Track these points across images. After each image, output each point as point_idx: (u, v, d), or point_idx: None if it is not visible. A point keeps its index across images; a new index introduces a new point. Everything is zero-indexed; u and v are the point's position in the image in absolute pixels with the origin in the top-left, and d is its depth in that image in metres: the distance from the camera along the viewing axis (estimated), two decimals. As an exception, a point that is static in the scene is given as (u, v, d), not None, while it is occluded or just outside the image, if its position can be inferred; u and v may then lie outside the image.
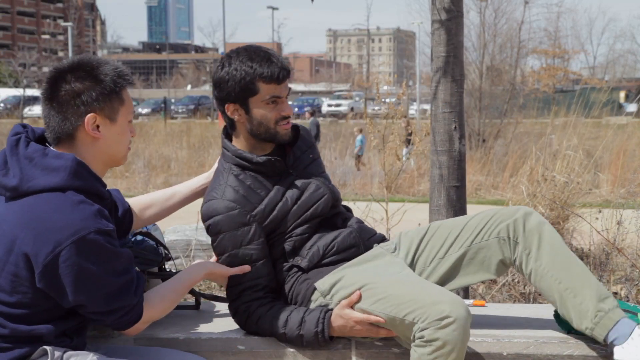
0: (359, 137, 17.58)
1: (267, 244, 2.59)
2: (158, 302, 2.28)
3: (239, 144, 2.64)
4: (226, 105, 2.59)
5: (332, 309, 2.49)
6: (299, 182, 2.63)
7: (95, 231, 2.03)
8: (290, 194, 2.59)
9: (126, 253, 2.15)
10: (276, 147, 2.66)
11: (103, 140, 2.17)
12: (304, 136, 2.76)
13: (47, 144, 2.18)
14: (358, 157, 17.07)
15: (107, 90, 2.15)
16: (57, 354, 2.08)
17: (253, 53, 2.60)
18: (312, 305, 2.56)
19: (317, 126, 18.15)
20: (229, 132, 2.68)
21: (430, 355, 2.26)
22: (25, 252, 2.02)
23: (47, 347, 2.07)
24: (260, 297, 2.56)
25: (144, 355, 2.24)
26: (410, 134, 17.97)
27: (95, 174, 2.16)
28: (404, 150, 17.59)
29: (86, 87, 2.13)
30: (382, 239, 2.76)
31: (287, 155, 2.67)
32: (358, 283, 2.48)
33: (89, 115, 2.13)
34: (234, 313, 2.58)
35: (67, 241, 2.00)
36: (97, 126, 2.15)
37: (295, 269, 2.60)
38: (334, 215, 2.70)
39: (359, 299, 2.45)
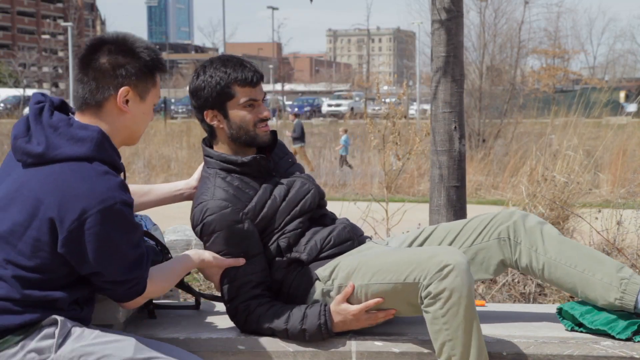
0: (344, 137, 17.78)
1: (262, 241, 2.62)
2: (159, 279, 2.32)
3: (220, 150, 2.70)
4: (205, 113, 2.64)
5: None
6: (284, 181, 2.70)
7: (121, 202, 2.08)
8: (278, 191, 2.65)
9: (141, 226, 2.22)
10: (257, 152, 2.72)
11: (129, 116, 2.23)
12: (280, 142, 2.83)
13: (69, 114, 2.23)
14: (342, 157, 17.14)
15: (145, 69, 2.23)
16: (68, 325, 2.11)
17: (226, 60, 2.66)
18: (314, 294, 2.59)
19: (302, 128, 18.31)
20: (208, 141, 2.74)
21: (442, 309, 2.30)
22: (51, 217, 2.05)
23: (58, 317, 2.10)
24: (258, 294, 2.58)
25: (148, 344, 2.26)
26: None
27: (115, 148, 2.21)
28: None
29: (127, 61, 2.20)
30: (370, 239, 2.86)
31: (268, 160, 2.71)
32: (354, 263, 2.54)
33: (123, 87, 2.20)
34: (234, 313, 2.58)
35: (94, 209, 2.05)
36: (127, 101, 2.22)
37: (294, 264, 2.63)
38: (322, 215, 2.76)
39: (353, 290, 2.50)
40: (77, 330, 2.12)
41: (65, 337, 2.09)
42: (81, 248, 2.06)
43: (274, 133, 2.74)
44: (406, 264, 2.40)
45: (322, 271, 2.61)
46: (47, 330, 2.08)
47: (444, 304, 2.30)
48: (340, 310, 2.51)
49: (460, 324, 2.30)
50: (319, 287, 2.60)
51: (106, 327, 2.51)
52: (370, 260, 2.52)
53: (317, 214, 2.74)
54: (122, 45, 2.21)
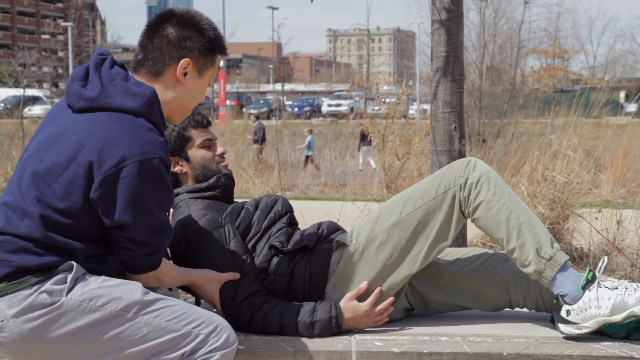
0: (309, 137, 17.81)
1: (254, 248, 2.69)
2: (172, 270, 2.40)
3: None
4: None
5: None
6: (251, 199, 2.88)
7: (160, 158, 2.12)
8: (248, 204, 2.81)
9: (173, 194, 2.25)
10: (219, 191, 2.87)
11: (184, 89, 2.30)
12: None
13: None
14: (307, 157, 17.06)
15: (209, 45, 2.30)
16: (81, 272, 2.13)
17: None
18: (338, 264, 2.65)
19: (263, 129, 18.40)
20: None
21: (491, 190, 2.53)
22: (90, 160, 2.08)
23: (74, 263, 2.11)
24: (258, 290, 2.60)
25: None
26: (366, 135, 17.97)
27: (162, 112, 2.24)
28: (362, 149, 17.63)
29: (192, 35, 2.27)
30: None
31: (232, 180, 2.90)
32: (373, 214, 2.69)
33: (185, 59, 2.26)
34: (237, 314, 2.58)
35: (133, 159, 2.07)
36: (185, 74, 2.28)
37: (300, 254, 2.69)
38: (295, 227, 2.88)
39: (367, 289, 2.60)
40: (86, 277, 2.14)
41: (76, 281, 2.11)
42: (113, 195, 2.08)
43: (231, 174, 2.89)
44: (430, 182, 2.60)
45: (342, 237, 2.69)
46: (61, 275, 2.10)
47: (488, 185, 2.52)
48: (351, 307, 2.58)
49: (511, 194, 2.53)
50: (340, 254, 2.66)
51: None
52: (389, 203, 2.66)
53: (294, 222, 2.87)
54: (190, 19, 2.30)
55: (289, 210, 2.86)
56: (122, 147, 2.08)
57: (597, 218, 4.89)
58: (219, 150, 2.87)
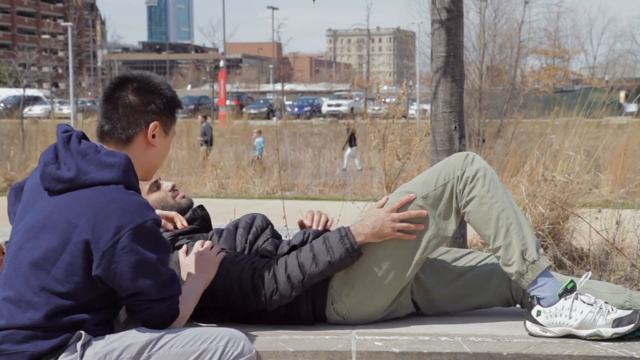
0: (259, 139, 17.73)
1: (246, 259, 2.67)
2: (191, 300, 2.43)
3: None
4: None
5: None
6: (229, 222, 2.91)
7: (152, 220, 2.15)
8: (228, 226, 2.85)
9: (170, 248, 2.28)
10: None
11: (154, 150, 2.35)
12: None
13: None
14: (258, 157, 16.85)
15: (170, 105, 2.36)
16: (88, 337, 2.16)
17: None
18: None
19: (210, 129, 18.34)
20: None
21: (485, 186, 2.56)
22: (86, 239, 2.11)
23: (82, 332, 2.14)
24: (258, 262, 2.63)
25: None
26: (353, 135, 17.86)
27: (137, 177, 2.28)
28: (348, 151, 17.56)
29: (154, 97, 2.33)
30: None
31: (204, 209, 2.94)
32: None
33: (153, 122, 2.31)
34: (262, 292, 2.57)
35: (127, 228, 2.11)
36: (154, 135, 2.33)
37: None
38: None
39: (409, 200, 2.61)
40: (92, 342, 2.17)
41: (85, 345, 2.15)
42: (117, 268, 2.11)
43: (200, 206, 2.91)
44: (429, 174, 2.63)
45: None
46: (71, 347, 2.14)
47: (484, 182, 2.55)
48: (374, 211, 2.62)
49: (504, 193, 2.55)
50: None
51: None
52: (391, 197, 2.67)
53: (277, 235, 2.89)
54: (147, 82, 2.34)
55: (269, 223, 2.90)
56: (113, 219, 2.11)
57: (597, 218, 4.89)
58: (168, 185, 2.88)
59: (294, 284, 2.58)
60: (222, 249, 2.68)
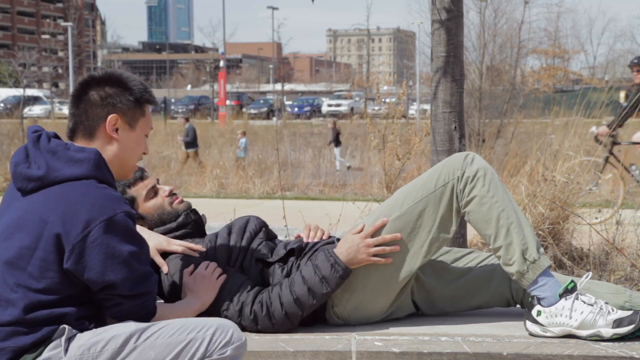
0: (242, 140, 17.56)
1: (244, 266, 2.70)
2: (169, 312, 2.41)
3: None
4: None
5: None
6: (222, 227, 2.87)
7: (124, 212, 2.14)
8: (221, 232, 2.80)
9: (147, 245, 2.26)
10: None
11: (119, 145, 2.31)
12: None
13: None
14: (239, 159, 16.59)
15: (133, 98, 2.33)
16: (73, 331, 2.14)
17: None
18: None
19: (194, 131, 18.17)
20: None
21: (485, 186, 2.56)
22: (57, 232, 2.10)
23: (65, 326, 2.13)
24: (255, 290, 2.61)
25: None
26: (338, 135, 17.73)
27: (111, 171, 2.27)
28: (336, 151, 17.44)
29: (115, 91, 2.31)
30: None
31: (197, 213, 2.90)
32: (374, 215, 2.71)
33: (112, 115, 2.29)
34: (255, 320, 2.58)
35: (97, 221, 2.09)
36: (117, 129, 2.30)
37: (292, 258, 2.72)
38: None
39: (383, 225, 2.63)
40: (78, 334, 2.16)
41: (69, 340, 2.13)
42: (87, 261, 2.10)
43: (194, 209, 2.88)
44: (429, 175, 2.63)
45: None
46: (55, 341, 2.12)
47: (484, 181, 2.55)
48: (348, 238, 2.62)
49: (504, 193, 2.56)
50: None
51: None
52: (390, 199, 2.70)
53: (272, 235, 2.89)
54: (110, 78, 2.33)
55: (263, 225, 2.87)
56: (83, 212, 2.10)
57: (597, 218, 4.89)
58: (166, 190, 2.85)
59: (294, 321, 2.60)
60: (223, 271, 2.65)
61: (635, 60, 9.16)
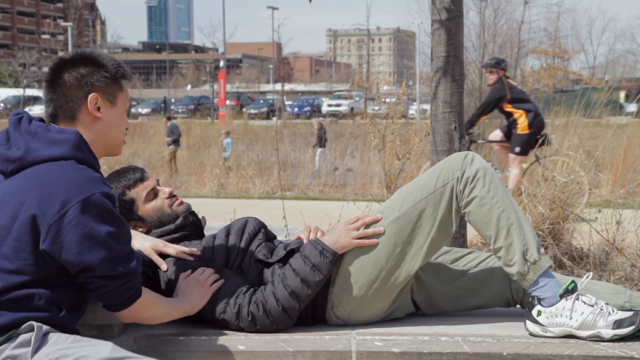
0: (227, 140, 17.35)
1: (242, 268, 2.69)
2: (166, 309, 2.39)
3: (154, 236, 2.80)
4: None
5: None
6: (220, 229, 2.85)
7: (101, 193, 2.11)
8: (219, 234, 2.79)
9: (127, 225, 2.23)
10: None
11: (103, 122, 2.29)
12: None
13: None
14: (225, 160, 16.35)
15: (109, 74, 2.31)
16: (44, 330, 2.09)
17: (113, 176, 2.80)
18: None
19: (177, 128, 18.17)
20: None
21: (485, 187, 2.55)
22: (33, 213, 2.07)
23: (35, 323, 2.08)
24: (251, 292, 2.60)
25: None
26: (324, 135, 17.46)
27: (94, 153, 2.25)
28: (318, 151, 17.26)
29: (89, 71, 2.28)
30: None
31: (196, 215, 2.88)
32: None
33: (91, 94, 2.26)
34: (254, 321, 2.57)
35: (74, 200, 2.07)
36: (98, 108, 2.28)
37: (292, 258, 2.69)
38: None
39: (374, 221, 2.63)
40: (53, 336, 2.11)
41: (40, 343, 2.08)
42: (64, 241, 2.07)
43: (193, 210, 2.86)
44: (429, 176, 2.63)
45: None
46: (23, 337, 2.07)
47: (484, 182, 2.54)
48: (335, 227, 2.64)
49: (504, 193, 2.55)
50: (342, 253, 2.67)
51: (106, 327, 2.52)
52: (390, 200, 2.70)
53: (271, 236, 2.88)
54: (82, 58, 2.31)
55: (261, 226, 2.86)
56: (60, 192, 2.07)
57: (597, 218, 4.89)
58: (166, 192, 2.82)
59: (292, 315, 2.59)
60: (220, 274, 2.64)
61: (489, 62, 9.26)
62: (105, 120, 2.29)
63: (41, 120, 2.26)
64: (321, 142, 17.51)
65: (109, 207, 2.12)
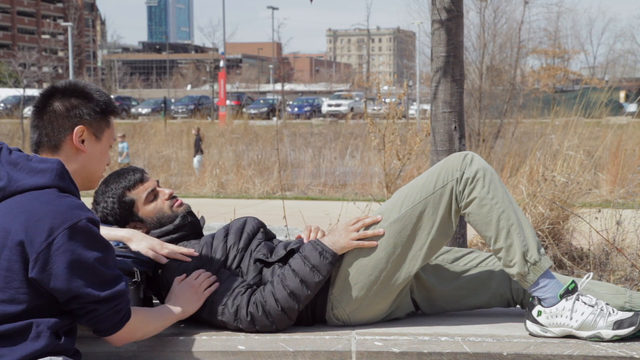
0: (122, 144, 16.63)
1: (242, 267, 2.70)
2: (155, 320, 2.40)
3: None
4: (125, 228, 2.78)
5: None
6: (219, 229, 2.84)
7: (87, 219, 2.12)
8: (218, 234, 2.78)
9: (113, 249, 2.23)
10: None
11: (86, 156, 2.32)
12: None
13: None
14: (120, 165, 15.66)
15: (98, 109, 2.33)
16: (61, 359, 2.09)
17: (106, 181, 2.80)
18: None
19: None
20: None
21: (485, 187, 2.55)
22: (20, 240, 2.07)
23: (54, 358, 2.08)
24: (249, 292, 2.60)
25: None
26: (200, 140, 16.87)
27: (74, 182, 2.24)
28: (195, 158, 16.69)
29: (79, 102, 2.30)
30: None
31: (194, 216, 2.87)
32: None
33: (78, 126, 2.28)
34: (253, 321, 2.57)
35: (60, 228, 2.07)
36: (83, 141, 2.30)
37: (292, 258, 2.69)
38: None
39: (374, 222, 2.63)
40: None
41: None
42: (52, 269, 2.07)
43: (192, 211, 2.85)
44: (428, 177, 2.62)
45: None
46: None
47: (484, 182, 2.54)
48: (334, 228, 2.65)
49: (504, 194, 2.55)
50: (342, 254, 2.67)
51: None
52: (389, 201, 2.69)
53: (270, 236, 2.88)
54: (74, 89, 2.32)
55: (260, 226, 2.86)
56: (46, 220, 2.07)
57: (597, 218, 4.89)
58: (166, 193, 2.82)
59: (291, 315, 2.59)
60: (218, 275, 2.64)
61: None
62: (88, 154, 2.31)
63: (19, 150, 2.25)
64: (197, 148, 16.87)
65: (95, 232, 2.14)
